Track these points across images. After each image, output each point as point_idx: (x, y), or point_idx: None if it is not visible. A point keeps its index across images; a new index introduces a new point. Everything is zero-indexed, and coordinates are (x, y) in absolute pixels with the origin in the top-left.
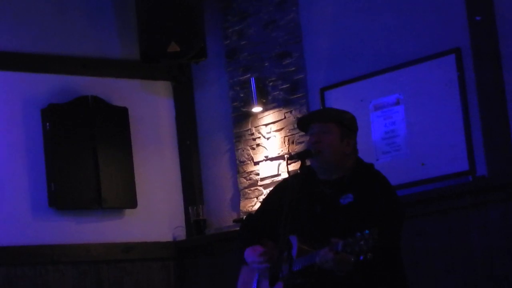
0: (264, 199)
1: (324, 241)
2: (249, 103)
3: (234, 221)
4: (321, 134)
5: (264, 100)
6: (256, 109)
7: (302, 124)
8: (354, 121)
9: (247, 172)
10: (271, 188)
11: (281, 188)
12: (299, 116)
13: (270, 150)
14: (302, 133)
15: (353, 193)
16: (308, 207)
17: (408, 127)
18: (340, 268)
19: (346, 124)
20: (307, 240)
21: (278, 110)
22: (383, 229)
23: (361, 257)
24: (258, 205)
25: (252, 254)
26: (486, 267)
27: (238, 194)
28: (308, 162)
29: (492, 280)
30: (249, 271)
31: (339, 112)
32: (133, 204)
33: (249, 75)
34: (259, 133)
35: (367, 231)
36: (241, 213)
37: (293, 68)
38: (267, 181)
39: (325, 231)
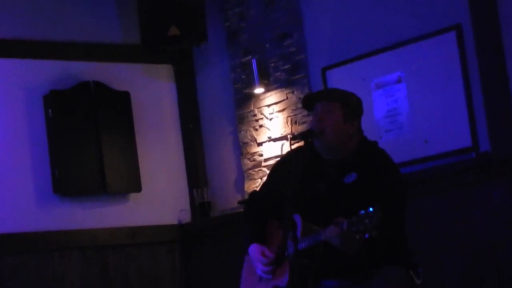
0: (268, 176)
1: (328, 220)
2: (251, 84)
3: (239, 202)
4: (325, 113)
5: (266, 81)
6: (258, 90)
7: (307, 103)
8: (359, 104)
9: (251, 154)
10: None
11: (283, 165)
12: (301, 96)
13: (273, 131)
14: (305, 113)
15: (357, 172)
16: (312, 187)
17: (410, 104)
18: (346, 247)
19: (351, 106)
20: (311, 220)
21: (280, 91)
22: (387, 206)
23: (366, 235)
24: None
25: (258, 252)
26: (489, 243)
27: (242, 176)
28: (314, 143)
29: (495, 256)
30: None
31: (345, 93)
32: (137, 188)
33: (250, 57)
34: (262, 114)
35: (371, 209)
36: (246, 195)
37: (294, 49)
38: (271, 162)
39: (330, 211)
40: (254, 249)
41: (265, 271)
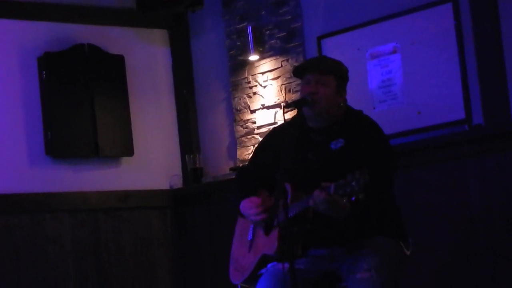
0: (257, 148)
1: (317, 186)
2: (245, 51)
3: (231, 169)
4: (319, 85)
5: (260, 49)
6: (253, 57)
7: (299, 71)
8: (347, 73)
9: (244, 121)
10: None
11: (275, 135)
12: (296, 64)
13: (267, 98)
14: (299, 81)
15: (344, 137)
16: (300, 154)
17: (404, 75)
18: (334, 211)
19: (342, 77)
20: (301, 188)
21: (274, 58)
22: (375, 169)
23: (353, 198)
24: None
25: (248, 206)
26: (483, 216)
27: (235, 143)
28: (303, 110)
29: (489, 229)
30: (244, 222)
31: (337, 64)
32: (130, 152)
33: (245, 24)
34: (256, 81)
35: (357, 171)
36: (238, 161)
37: (289, 17)
38: (264, 129)
39: (318, 177)
40: (243, 203)
41: (258, 213)
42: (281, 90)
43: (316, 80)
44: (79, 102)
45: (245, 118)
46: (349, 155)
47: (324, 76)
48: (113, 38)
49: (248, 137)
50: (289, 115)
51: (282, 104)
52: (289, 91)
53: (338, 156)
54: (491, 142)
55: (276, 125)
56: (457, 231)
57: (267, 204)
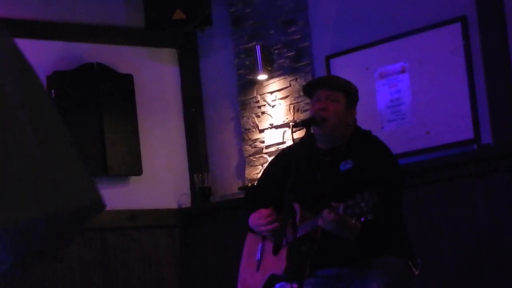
0: (266, 168)
1: (326, 207)
2: (254, 70)
3: (239, 188)
4: (329, 102)
5: (269, 68)
6: (262, 76)
7: (309, 89)
8: (357, 92)
9: (252, 140)
10: (273, 156)
11: (283, 156)
12: (304, 84)
13: (275, 117)
14: (308, 101)
15: (353, 159)
16: (308, 175)
17: (413, 95)
18: (342, 231)
19: (352, 95)
20: (309, 208)
21: (283, 78)
22: (384, 191)
23: (362, 219)
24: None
25: (257, 217)
26: (490, 235)
27: (243, 162)
28: (312, 130)
29: (497, 249)
30: (253, 241)
31: (347, 82)
32: (138, 171)
33: (254, 43)
34: (264, 100)
35: (366, 192)
36: (246, 181)
37: (298, 36)
38: (272, 149)
39: (327, 198)
40: (251, 218)
41: (267, 224)
42: (289, 110)
43: (326, 97)
44: (88, 121)
45: (254, 138)
46: (358, 176)
47: (334, 92)
48: (122, 57)
49: (257, 156)
50: (298, 134)
51: (290, 123)
52: (298, 110)
53: (347, 177)
54: (499, 162)
55: (285, 146)
56: (465, 250)
57: (276, 217)
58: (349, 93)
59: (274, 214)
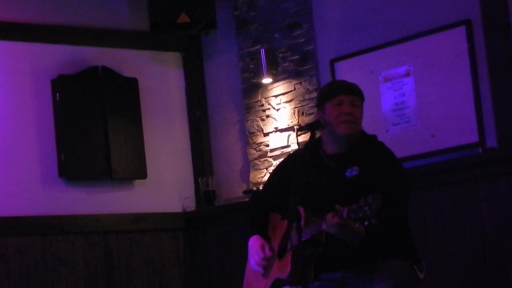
0: (272, 172)
1: (330, 211)
2: (259, 74)
3: (244, 192)
4: (353, 107)
5: (274, 71)
6: (266, 80)
7: (331, 92)
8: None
9: (257, 143)
10: (280, 160)
11: (290, 161)
12: (309, 87)
13: (280, 121)
14: (312, 104)
15: (359, 166)
16: (313, 179)
17: (418, 98)
18: (348, 236)
19: (363, 101)
20: (314, 211)
21: (288, 81)
22: (390, 198)
23: (366, 223)
24: (267, 176)
25: (255, 248)
26: (495, 239)
27: (248, 165)
28: (318, 134)
29: (501, 252)
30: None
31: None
32: (143, 175)
33: (259, 46)
34: (269, 104)
35: (370, 196)
36: (251, 184)
37: (303, 40)
38: (277, 152)
39: (332, 202)
40: (254, 241)
41: (258, 264)
42: (294, 113)
43: (350, 101)
44: (93, 125)
45: (258, 141)
46: (364, 183)
47: (356, 98)
48: (126, 61)
49: (261, 160)
50: (302, 138)
51: (295, 127)
52: (302, 114)
53: (353, 184)
54: (504, 165)
55: (292, 151)
56: (469, 254)
57: (271, 259)
58: (363, 99)
59: (269, 258)
